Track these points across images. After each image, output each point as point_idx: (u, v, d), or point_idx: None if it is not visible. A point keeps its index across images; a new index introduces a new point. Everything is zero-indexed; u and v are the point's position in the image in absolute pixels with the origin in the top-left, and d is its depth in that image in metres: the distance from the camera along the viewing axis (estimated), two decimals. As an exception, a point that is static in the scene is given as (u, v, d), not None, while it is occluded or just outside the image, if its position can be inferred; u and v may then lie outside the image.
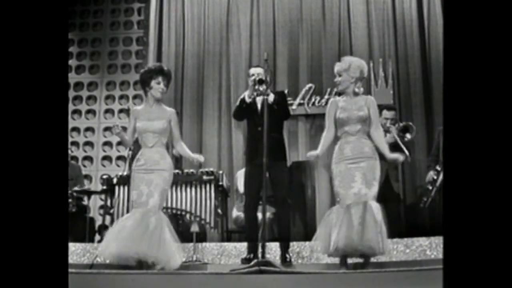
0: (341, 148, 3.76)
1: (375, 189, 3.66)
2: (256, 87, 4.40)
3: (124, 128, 4.18)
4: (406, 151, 5.20)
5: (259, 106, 4.59)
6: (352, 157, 3.68)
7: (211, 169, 5.49)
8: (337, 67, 3.88)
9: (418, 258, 4.59)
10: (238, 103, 4.76)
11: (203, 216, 5.15)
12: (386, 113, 5.59)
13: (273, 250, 4.66)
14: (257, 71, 4.64)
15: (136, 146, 5.04)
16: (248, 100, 4.55)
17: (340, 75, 3.85)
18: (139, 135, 4.00)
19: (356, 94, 3.85)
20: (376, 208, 3.59)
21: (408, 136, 5.52)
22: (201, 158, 4.08)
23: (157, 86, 3.97)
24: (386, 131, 5.40)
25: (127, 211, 5.12)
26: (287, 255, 4.45)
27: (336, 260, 4.46)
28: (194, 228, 5.15)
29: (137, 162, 3.93)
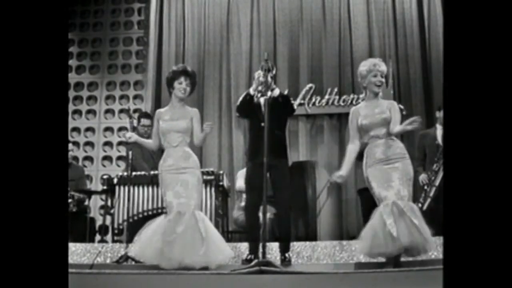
0: (372, 152, 3.71)
1: (411, 189, 3.65)
2: (264, 73, 4.31)
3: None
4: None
5: (262, 101, 4.54)
6: (386, 159, 3.65)
7: (212, 169, 5.49)
8: (383, 67, 3.80)
9: (418, 258, 4.58)
10: (242, 97, 4.70)
11: (203, 216, 5.15)
12: None
13: (273, 250, 4.65)
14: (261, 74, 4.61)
15: (134, 147, 5.05)
16: (252, 92, 4.53)
17: (382, 76, 3.79)
18: (162, 136, 4.00)
19: (377, 96, 3.81)
20: (416, 209, 3.59)
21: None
22: (207, 127, 4.04)
23: (179, 86, 3.98)
24: None
25: (128, 211, 5.13)
26: (287, 255, 4.43)
27: (336, 261, 4.46)
28: (195, 228, 5.15)
29: (165, 162, 3.93)
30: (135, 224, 4.99)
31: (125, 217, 5.26)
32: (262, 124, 4.21)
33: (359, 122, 3.78)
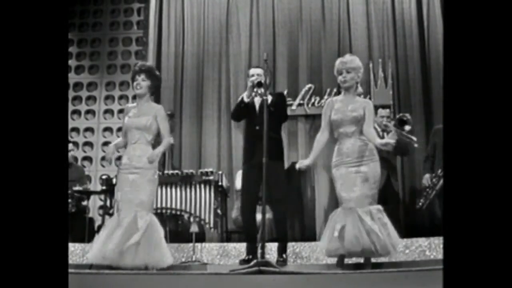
0: (340, 151, 3.74)
1: (375, 191, 3.68)
2: (255, 89, 4.39)
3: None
4: (414, 138, 5.14)
5: (257, 106, 4.58)
6: (352, 161, 3.66)
7: (211, 169, 5.49)
8: (350, 64, 3.76)
9: (417, 258, 4.59)
10: (236, 105, 4.74)
11: (202, 217, 5.15)
12: (382, 111, 5.58)
13: (272, 250, 4.66)
14: (256, 72, 4.61)
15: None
16: (246, 100, 4.53)
17: (348, 72, 3.76)
18: (126, 132, 3.95)
19: (355, 94, 3.83)
20: (379, 210, 3.61)
21: (406, 127, 5.47)
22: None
23: (134, 84, 3.96)
24: (384, 130, 5.38)
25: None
26: (283, 256, 4.42)
27: (335, 261, 4.46)
28: (194, 228, 5.15)
29: (121, 161, 3.89)
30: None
31: (124, 217, 5.25)
32: (257, 127, 4.22)
33: (331, 117, 3.79)
